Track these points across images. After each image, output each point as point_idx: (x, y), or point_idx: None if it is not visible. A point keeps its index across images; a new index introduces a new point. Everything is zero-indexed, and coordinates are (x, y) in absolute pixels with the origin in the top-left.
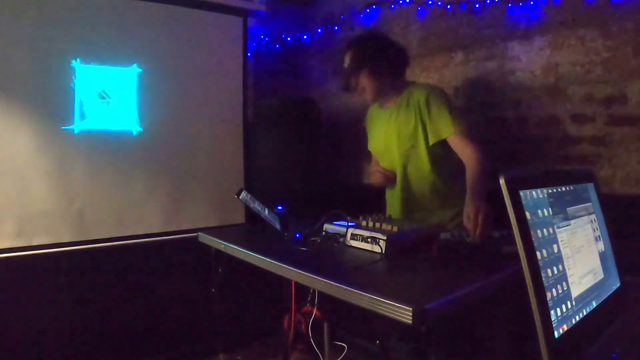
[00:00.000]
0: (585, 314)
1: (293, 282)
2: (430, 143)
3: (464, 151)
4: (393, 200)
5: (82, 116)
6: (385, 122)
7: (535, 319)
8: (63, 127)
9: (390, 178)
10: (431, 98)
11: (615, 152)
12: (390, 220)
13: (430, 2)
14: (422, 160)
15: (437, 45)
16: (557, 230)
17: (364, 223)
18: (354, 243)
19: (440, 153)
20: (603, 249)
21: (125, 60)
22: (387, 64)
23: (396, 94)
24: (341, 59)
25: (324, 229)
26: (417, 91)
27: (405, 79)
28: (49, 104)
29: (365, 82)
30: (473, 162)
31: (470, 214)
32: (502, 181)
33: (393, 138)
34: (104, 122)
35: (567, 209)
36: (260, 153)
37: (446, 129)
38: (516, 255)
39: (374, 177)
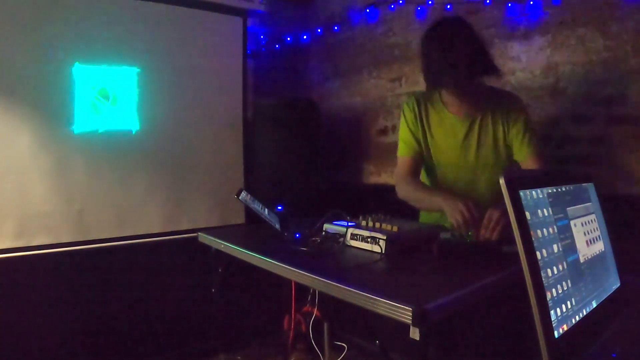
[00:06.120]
0: (585, 314)
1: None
2: (517, 159)
3: (532, 167)
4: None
5: (82, 117)
6: (462, 130)
7: (535, 319)
8: (63, 128)
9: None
10: (519, 113)
11: (615, 152)
12: (390, 220)
13: (430, 2)
14: (492, 176)
15: None
16: (557, 229)
17: (363, 223)
18: (353, 243)
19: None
20: (603, 249)
21: (124, 60)
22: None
23: (476, 98)
24: (443, 53)
25: (324, 229)
26: (506, 102)
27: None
28: (49, 104)
29: (470, 80)
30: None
31: (492, 215)
32: (502, 181)
33: (472, 150)
34: (104, 123)
35: (567, 209)
36: (260, 153)
37: (523, 152)
38: (516, 255)
39: (458, 215)
